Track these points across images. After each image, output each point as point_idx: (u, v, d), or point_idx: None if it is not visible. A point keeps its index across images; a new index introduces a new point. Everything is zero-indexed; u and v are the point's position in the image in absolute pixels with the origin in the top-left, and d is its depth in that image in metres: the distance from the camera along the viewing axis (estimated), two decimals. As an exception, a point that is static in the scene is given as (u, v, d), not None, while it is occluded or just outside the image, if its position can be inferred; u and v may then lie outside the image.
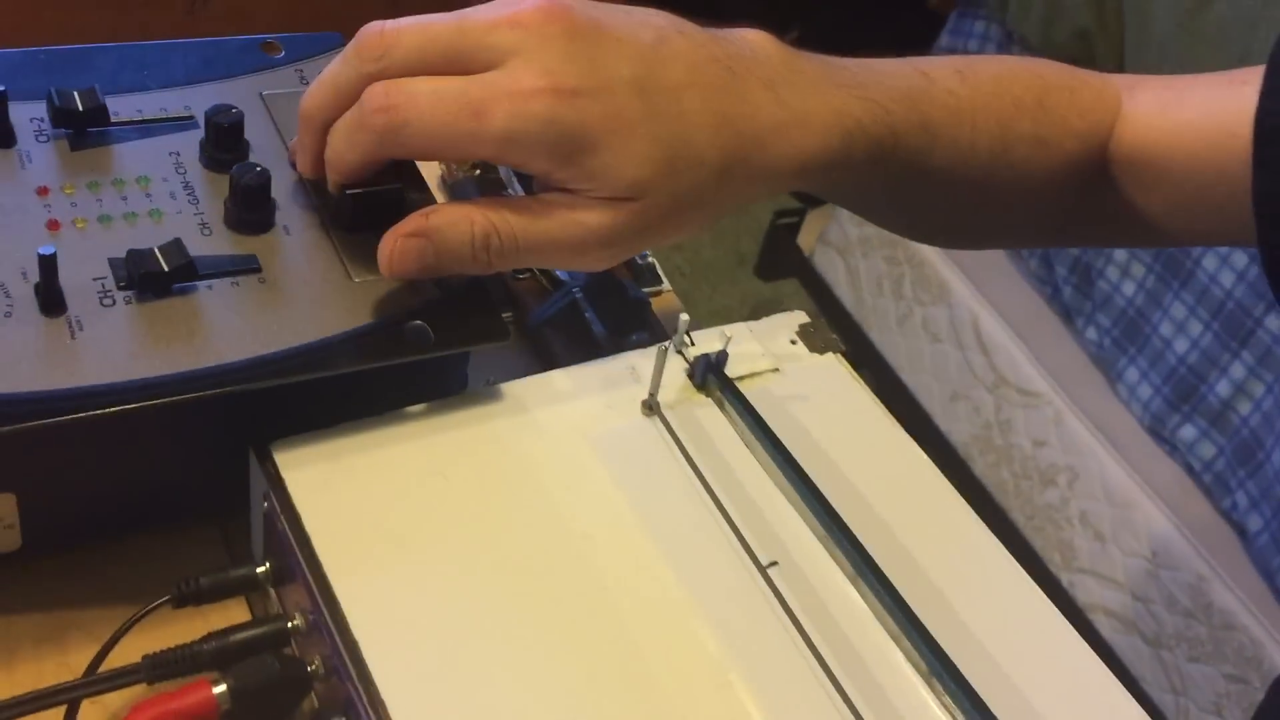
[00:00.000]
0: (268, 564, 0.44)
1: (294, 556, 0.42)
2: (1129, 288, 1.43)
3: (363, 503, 0.43)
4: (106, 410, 0.39)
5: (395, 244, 0.44)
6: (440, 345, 0.45)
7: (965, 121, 0.51)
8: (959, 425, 1.59)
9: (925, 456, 0.49)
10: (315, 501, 0.42)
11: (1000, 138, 0.52)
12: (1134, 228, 0.58)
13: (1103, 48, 1.42)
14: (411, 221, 0.44)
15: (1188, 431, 1.37)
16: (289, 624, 0.42)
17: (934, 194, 0.54)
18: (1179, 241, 0.61)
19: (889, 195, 0.54)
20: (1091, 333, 1.48)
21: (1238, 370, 1.32)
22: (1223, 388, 1.33)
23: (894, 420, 0.50)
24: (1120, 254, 1.44)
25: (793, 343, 0.52)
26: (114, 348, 0.41)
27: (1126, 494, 1.40)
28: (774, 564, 0.44)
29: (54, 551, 0.46)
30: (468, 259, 0.44)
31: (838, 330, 1.80)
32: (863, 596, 0.43)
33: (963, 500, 0.48)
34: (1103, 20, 1.40)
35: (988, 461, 1.56)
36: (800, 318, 0.53)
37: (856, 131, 0.47)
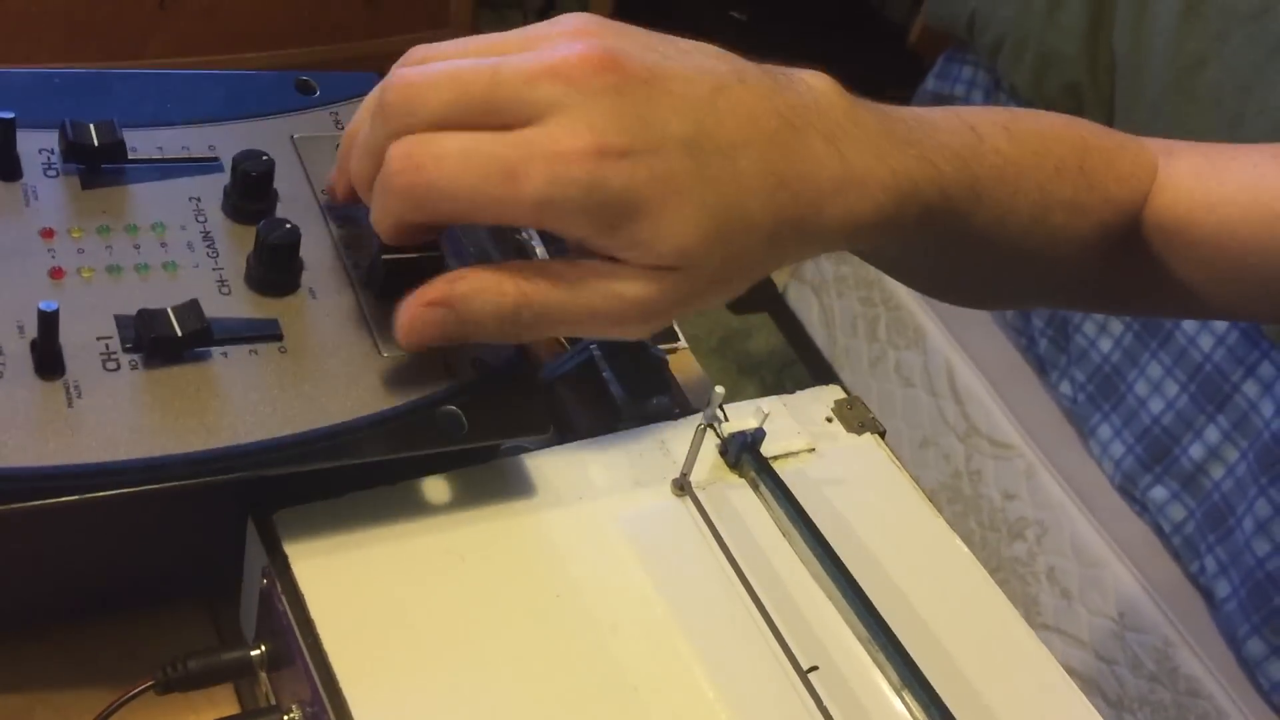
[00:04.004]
0: (262, 647, 0.40)
1: (294, 641, 0.38)
2: (1105, 344, 1.42)
3: (373, 584, 0.39)
4: (103, 494, 0.35)
5: (415, 313, 0.40)
6: (474, 436, 0.40)
7: (1009, 183, 0.49)
8: (928, 472, 1.57)
9: (966, 549, 0.47)
10: (321, 581, 0.39)
11: (1040, 202, 0.50)
12: (1167, 297, 0.56)
13: (1092, 103, 1.41)
14: (435, 288, 0.40)
15: (1159, 492, 1.36)
16: (284, 717, 0.39)
17: (970, 256, 0.51)
18: (1213, 314, 0.59)
19: (928, 257, 0.51)
20: (1065, 387, 1.47)
21: (1212, 434, 1.31)
22: (1196, 450, 1.32)
23: (934, 509, 0.47)
24: (1100, 310, 1.43)
25: (828, 420, 0.49)
26: (116, 419, 0.36)
27: (1095, 552, 1.38)
28: (814, 669, 0.40)
29: (23, 629, 0.41)
30: (494, 332, 0.40)
31: (808, 369, 1.77)
32: (909, 709, 0.40)
33: (1007, 599, 0.46)
34: (1094, 76, 1.40)
35: (955, 511, 1.54)
36: (835, 393, 0.50)
37: (911, 193, 0.45)
